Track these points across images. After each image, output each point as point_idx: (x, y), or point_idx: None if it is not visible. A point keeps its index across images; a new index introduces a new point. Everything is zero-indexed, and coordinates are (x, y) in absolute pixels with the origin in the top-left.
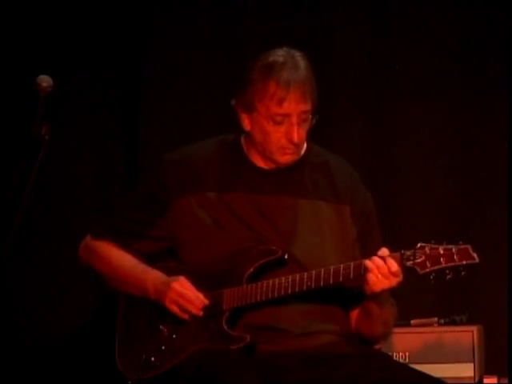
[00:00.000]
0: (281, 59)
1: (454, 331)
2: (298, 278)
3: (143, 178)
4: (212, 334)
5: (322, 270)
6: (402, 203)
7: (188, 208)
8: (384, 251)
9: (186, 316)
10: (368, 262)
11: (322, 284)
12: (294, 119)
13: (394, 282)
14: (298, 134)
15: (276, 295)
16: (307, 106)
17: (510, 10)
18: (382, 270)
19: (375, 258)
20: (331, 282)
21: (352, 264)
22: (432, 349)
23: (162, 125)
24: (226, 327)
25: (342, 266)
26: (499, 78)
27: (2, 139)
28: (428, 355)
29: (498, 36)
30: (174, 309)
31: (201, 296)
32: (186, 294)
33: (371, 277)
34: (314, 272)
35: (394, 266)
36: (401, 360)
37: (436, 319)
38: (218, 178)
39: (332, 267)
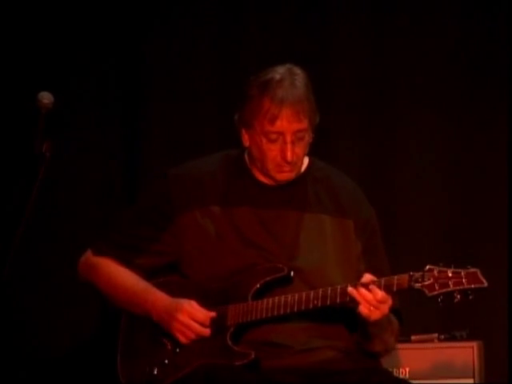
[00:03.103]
0: (278, 77)
1: (455, 347)
2: (304, 296)
3: (145, 193)
4: (216, 350)
5: (329, 288)
6: (402, 221)
7: (193, 221)
8: (367, 277)
9: (189, 343)
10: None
11: (328, 303)
12: (288, 138)
13: (384, 309)
14: (293, 152)
15: (282, 312)
16: (302, 125)
17: (510, 13)
18: (367, 297)
19: (361, 289)
20: (338, 300)
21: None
22: (432, 365)
23: (163, 141)
24: (230, 343)
25: (349, 284)
26: (501, 91)
27: (3, 156)
28: (428, 371)
29: (499, 45)
30: (180, 337)
31: (208, 318)
32: (192, 326)
33: (363, 310)
34: (320, 291)
35: (378, 293)
36: (401, 376)
37: (436, 335)
38: (222, 193)
39: (339, 287)
